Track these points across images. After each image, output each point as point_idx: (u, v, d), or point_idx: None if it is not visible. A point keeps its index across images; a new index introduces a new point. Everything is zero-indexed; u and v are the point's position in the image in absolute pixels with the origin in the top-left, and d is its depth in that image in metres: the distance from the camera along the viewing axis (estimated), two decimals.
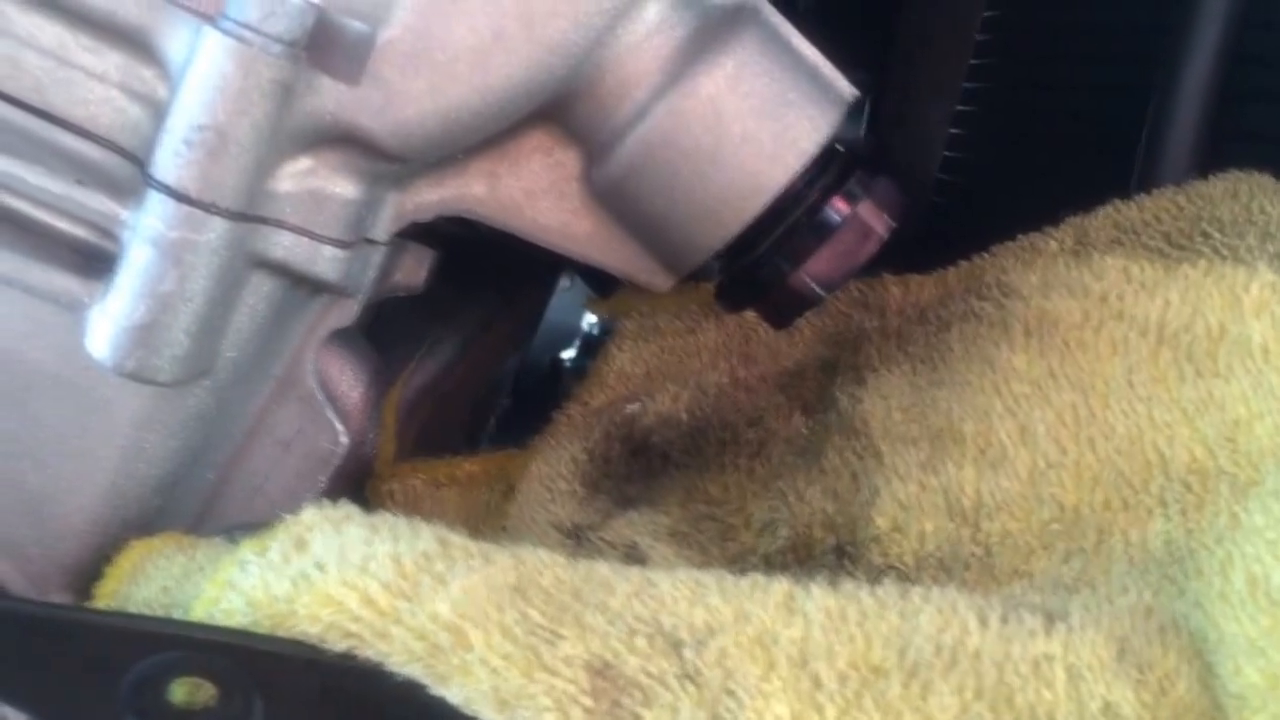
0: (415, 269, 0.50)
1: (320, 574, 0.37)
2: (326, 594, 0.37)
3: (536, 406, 0.85)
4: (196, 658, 0.37)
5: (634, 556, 0.52)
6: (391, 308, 0.61)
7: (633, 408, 0.58)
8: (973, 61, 0.69)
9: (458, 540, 0.40)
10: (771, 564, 0.51)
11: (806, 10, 0.70)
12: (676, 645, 0.38)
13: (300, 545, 0.39)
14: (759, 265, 0.43)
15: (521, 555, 0.41)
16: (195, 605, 0.40)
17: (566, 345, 1.07)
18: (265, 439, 0.50)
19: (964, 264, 0.58)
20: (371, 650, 0.37)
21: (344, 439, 0.50)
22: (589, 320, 1.07)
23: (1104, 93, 0.63)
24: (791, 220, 0.43)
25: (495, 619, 0.37)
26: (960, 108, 0.68)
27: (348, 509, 0.41)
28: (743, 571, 0.50)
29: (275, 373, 0.49)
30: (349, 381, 0.54)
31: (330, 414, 0.50)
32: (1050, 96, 0.66)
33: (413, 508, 0.60)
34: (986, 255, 0.55)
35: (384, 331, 0.62)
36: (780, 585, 0.38)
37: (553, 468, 0.58)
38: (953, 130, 0.68)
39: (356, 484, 0.59)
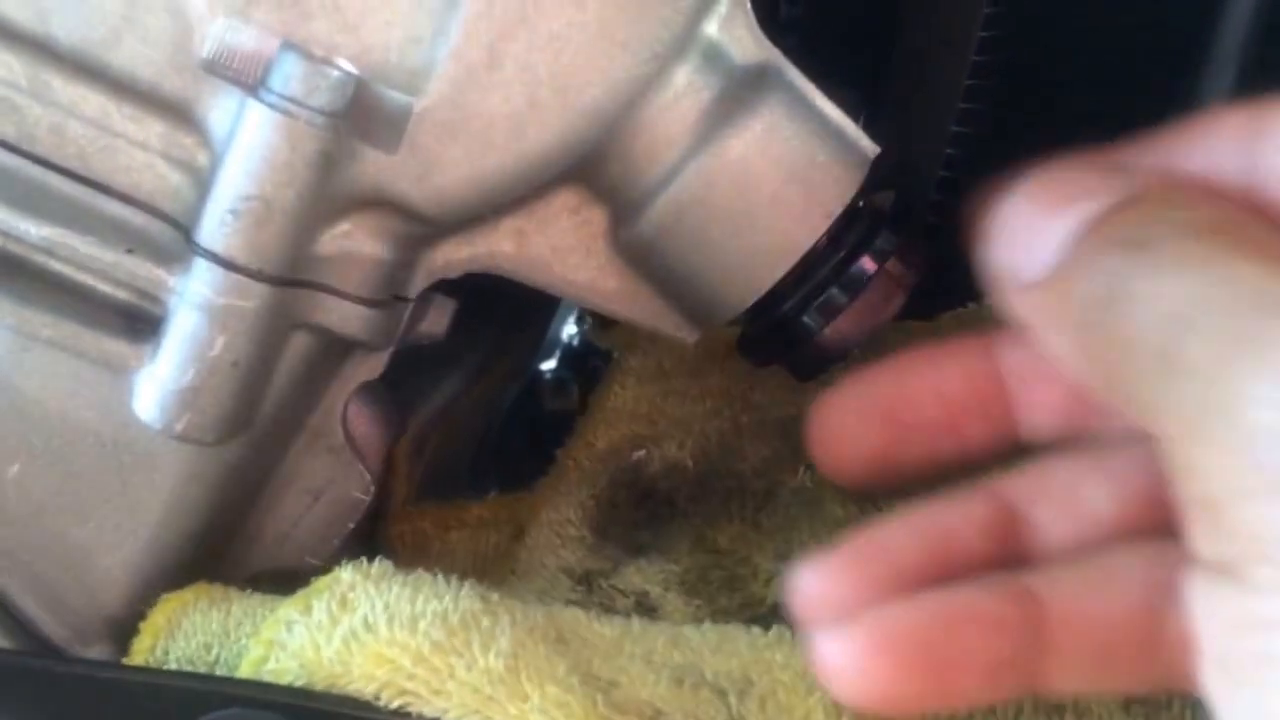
0: (439, 319, 0.52)
1: (370, 634, 0.39)
2: (379, 653, 0.39)
3: (519, 420, 0.86)
4: (257, 715, 0.39)
5: (644, 604, 0.54)
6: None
7: (639, 454, 0.59)
8: (968, 82, 0.70)
9: (495, 595, 0.42)
10: (781, 613, 0.53)
11: (794, 26, 0.72)
12: (721, 693, 0.40)
13: (344, 604, 0.41)
14: (787, 322, 0.45)
15: (556, 611, 0.42)
16: (243, 664, 0.42)
17: (546, 357, 1.08)
18: (296, 487, 0.51)
19: (960, 310, 0.60)
20: (428, 707, 0.39)
21: (373, 487, 0.52)
22: (569, 332, 1.08)
23: (1103, 118, 0.64)
24: (819, 278, 0.44)
25: (547, 670, 0.39)
26: (956, 128, 0.69)
27: (384, 566, 0.43)
28: (754, 620, 0.52)
29: (308, 425, 0.50)
30: (368, 426, 0.56)
31: (360, 465, 0.51)
32: (1047, 116, 0.68)
33: (421, 551, 0.61)
34: (982, 303, 0.56)
35: (396, 372, 0.64)
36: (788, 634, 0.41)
37: (561, 513, 0.59)
38: (949, 150, 0.69)
39: (366, 527, 0.61)
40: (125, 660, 0.46)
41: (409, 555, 0.61)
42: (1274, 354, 0.25)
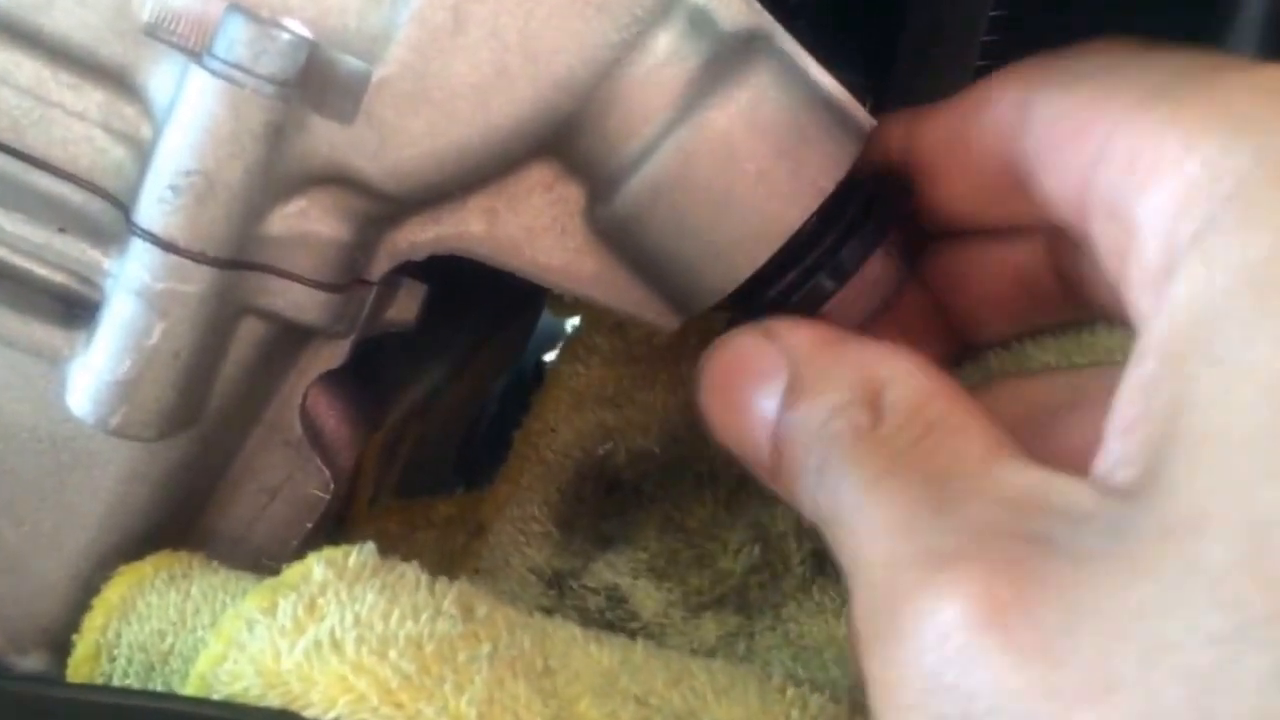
0: (408, 305, 0.50)
1: (336, 653, 0.37)
2: (344, 677, 0.37)
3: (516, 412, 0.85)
4: None
5: (615, 598, 0.53)
6: (376, 341, 0.61)
7: (606, 448, 0.57)
8: (979, 63, 0.68)
9: (483, 610, 0.40)
10: (748, 586, 0.52)
11: (804, 8, 0.70)
12: None
13: (312, 609, 0.39)
14: (772, 308, 0.43)
15: (550, 630, 0.40)
16: (200, 659, 0.40)
17: (550, 347, 1.06)
18: (251, 486, 0.49)
19: None
20: None
21: (332, 485, 0.50)
22: (572, 323, 1.07)
23: None
24: (809, 262, 0.42)
25: (523, 718, 0.37)
26: None
27: (362, 558, 0.41)
28: (722, 598, 0.50)
29: (262, 418, 0.48)
30: (337, 419, 0.54)
31: (319, 460, 0.49)
32: None
33: (387, 552, 0.59)
34: None
35: (370, 366, 0.62)
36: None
37: (525, 509, 0.58)
38: None
39: (339, 520, 0.59)
40: (76, 638, 0.44)
41: None
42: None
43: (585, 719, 0.37)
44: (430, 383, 0.66)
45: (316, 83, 0.39)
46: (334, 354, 0.47)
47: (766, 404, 0.38)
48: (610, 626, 0.51)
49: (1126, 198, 0.31)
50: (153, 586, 0.43)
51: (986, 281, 0.45)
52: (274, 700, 0.38)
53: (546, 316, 0.99)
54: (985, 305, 0.46)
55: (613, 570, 0.53)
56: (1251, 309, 0.26)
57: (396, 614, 0.38)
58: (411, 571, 0.40)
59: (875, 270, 0.43)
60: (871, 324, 0.44)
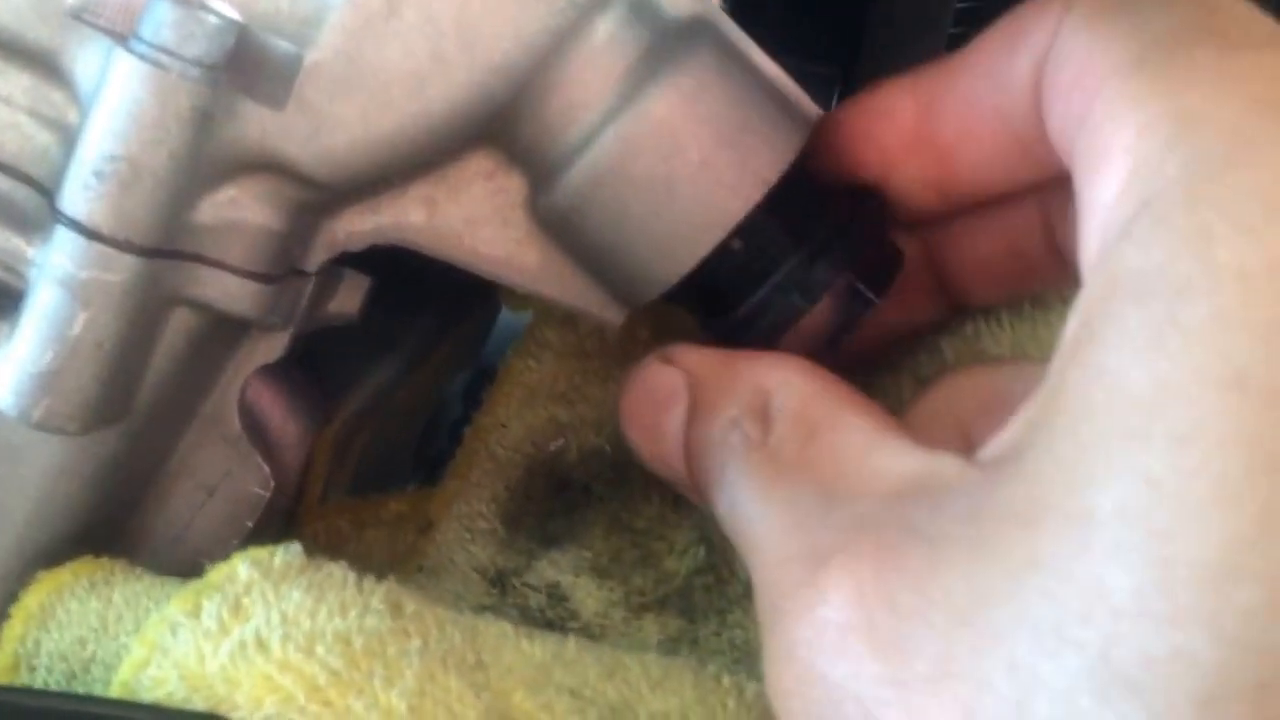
0: (350, 297, 0.49)
1: (261, 652, 0.37)
2: (269, 677, 0.36)
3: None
4: None
5: (556, 595, 0.52)
6: (327, 336, 0.60)
7: (557, 444, 0.57)
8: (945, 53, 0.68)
9: (411, 606, 0.39)
10: (693, 589, 0.51)
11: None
12: None
13: (237, 610, 0.38)
14: (744, 326, 0.42)
15: (482, 626, 0.40)
16: (123, 667, 0.39)
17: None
18: (188, 483, 0.49)
19: None
20: None
21: (272, 482, 0.49)
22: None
23: None
24: (779, 279, 0.42)
25: (456, 710, 0.36)
26: None
27: (288, 558, 0.40)
28: (665, 599, 0.50)
29: (199, 412, 0.47)
30: (282, 415, 0.54)
31: (259, 457, 0.49)
32: None
33: (337, 551, 0.59)
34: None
35: (320, 360, 0.61)
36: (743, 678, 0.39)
37: (472, 506, 0.57)
38: None
39: (289, 517, 0.59)
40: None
41: (324, 555, 0.58)
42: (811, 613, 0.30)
43: (519, 710, 0.37)
44: (382, 380, 0.65)
45: (246, 67, 0.39)
46: (272, 347, 0.47)
47: (674, 425, 0.40)
48: (550, 625, 0.51)
49: (1084, 176, 0.31)
50: (73, 594, 0.42)
51: (981, 247, 0.45)
52: (199, 704, 0.37)
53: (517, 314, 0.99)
54: (979, 270, 0.46)
55: (556, 568, 0.52)
56: (1128, 318, 0.26)
57: (324, 611, 0.38)
58: (339, 570, 0.40)
59: (845, 291, 0.42)
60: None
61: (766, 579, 0.33)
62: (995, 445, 0.30)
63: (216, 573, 0.39)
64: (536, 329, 0.60)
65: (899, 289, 0.45)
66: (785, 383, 0.37)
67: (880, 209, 0.43)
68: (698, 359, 0.41)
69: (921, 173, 0.43)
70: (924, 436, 0.39)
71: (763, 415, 0.37)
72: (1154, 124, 0.28)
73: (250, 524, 0.50)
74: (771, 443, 0.36)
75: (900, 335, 0.49)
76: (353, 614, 0.38)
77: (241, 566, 0.39)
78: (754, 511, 0.34)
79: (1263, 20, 0.31)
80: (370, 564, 0.58)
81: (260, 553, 0.40)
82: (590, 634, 0.50)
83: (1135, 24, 0.32)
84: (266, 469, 0.49)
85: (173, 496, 0.49)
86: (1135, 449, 0.25)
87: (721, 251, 0.42)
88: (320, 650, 0.36)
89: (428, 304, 0.68)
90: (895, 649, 0.27)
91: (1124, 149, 0.29)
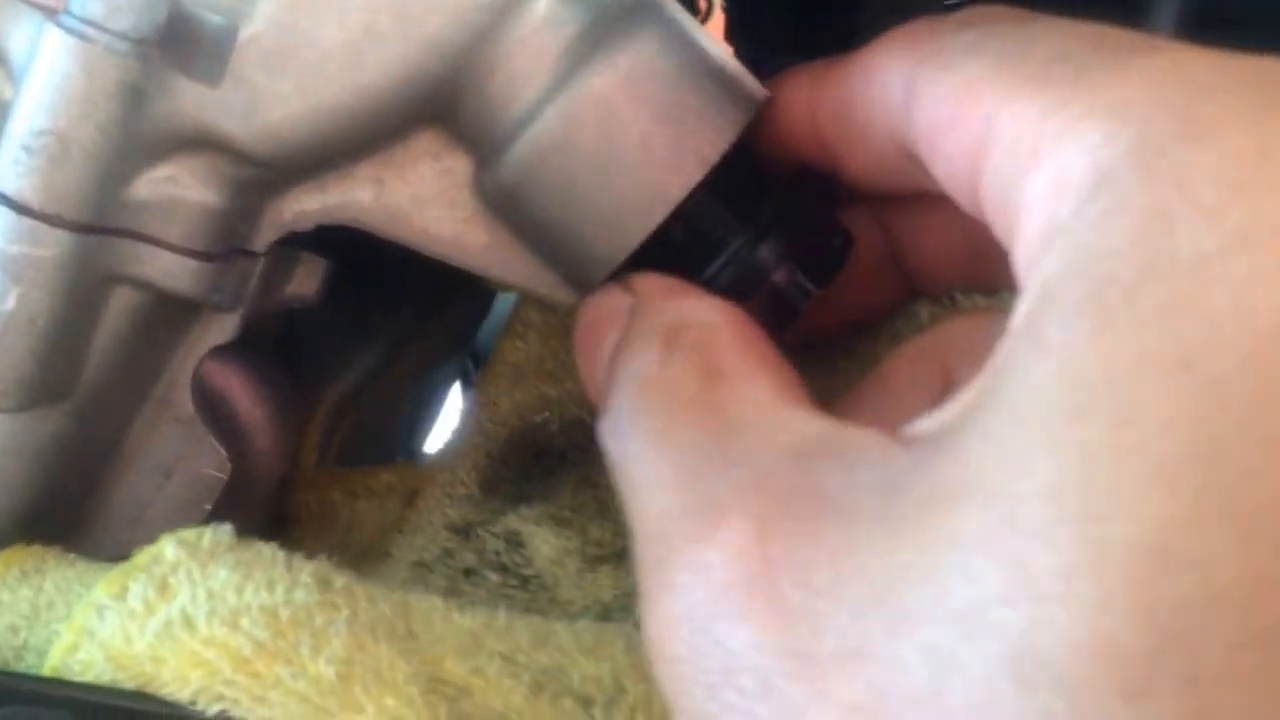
0: (308, 280, 0.49)
1: (187, 629, 0.36)
2: (195, 653, 0.36)
3: None
4: (44, 715, 0.36)
5: (514, 542, 0.52)
6: (310, 321, 0.60)
7: (543, 417, 0.57)
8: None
9: (340, 581, 0.39)
10: None
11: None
12: (585, 702, 0.37)
13: (163, 589, 0.38)
14: None
15: (413, 600, 0.40)
16: (52, 653, 0.39)
17: None
18: (143, 465, 0.49)
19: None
20: (250, 715, 0.36)
21: (229, 465, 0.49)
22: None
23: None
24: (721, 261, 0.41)
25: (387, 677, 0.36)
26: None
27: (216, 537, 0.40)
28: (622, 553, 0.50)
29: (151, 394, 0.47)
30: (251, 401, 0.54)
31: (214, 439, 0.49)
32: None
33: (329, 521, 0.59)
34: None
35: (302, 349, 0.61)
36: None
37: (455, 474, 0.57)
38: None
39: (273, 501, 0.59)
40: None
41: (316, 525, 0.60)
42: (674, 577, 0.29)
43: (451, 675, 0.37)
44: (363, 369, 0.65)
45: (179, 42, 0.39)
46: (223, 328, 0.47)
47: (608, 349, 0.38)
48: (504, 570, 0.51)
49: (1011, 184, 0.30)
50: (4, 583, 0.42)
51: (938, 235, 0.45)
52: (127, 684, 0.37)
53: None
54: (937, 258, 0.46)
55: (520, 520, 0.52)
56: (1082, 298, 0.25)
57: (250, 588, 0.37)
58: (268, 549, 0.40)
59: (786, 278, 0.42)
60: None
61: (651, 531, 0.31)
62: (930, 421, 0.28)
63: (143, 555, 0.39)
64: (522, 310, 0.60)
65: (858, 274, 0.44)
66: (705, 323, 0.36)
67: (826, 194, 0.43)
68: (646, 284, 0.39)
69: (815, 158, 0.43)
70: (902, 378, 0.39)
71: (668, 347, 0.35)
72: (1082, 121, 0.28)
73: (209, 506, 0.50)
74: (667, 375, 0.34)
75: (860, 319, 0.48)
76: (280, 589, 0.38)
77: (168, 547, 0.39)
78: (644, 453, 0.32)
79: (1145, 35, 0.30)
80: (363, 535, 0.58)
81: (188, 533, 0.40)
82: (544, 584, 0.50)
83: (1015, 51, 0.32)
84: (223, 451, 0.49)
85: (129, 479, 0.49)
86: (1072, 427, 0.24)
87: (665, 234, 0.41)
88: (245, 623, 0.36)
89: (409, 293, 0.68)
90: (803, 621, 0.26)
91: (1051, 151, 0.28)
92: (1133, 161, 0.26)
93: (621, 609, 0.49)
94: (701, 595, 0.28)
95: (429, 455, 0.65)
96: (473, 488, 0.57)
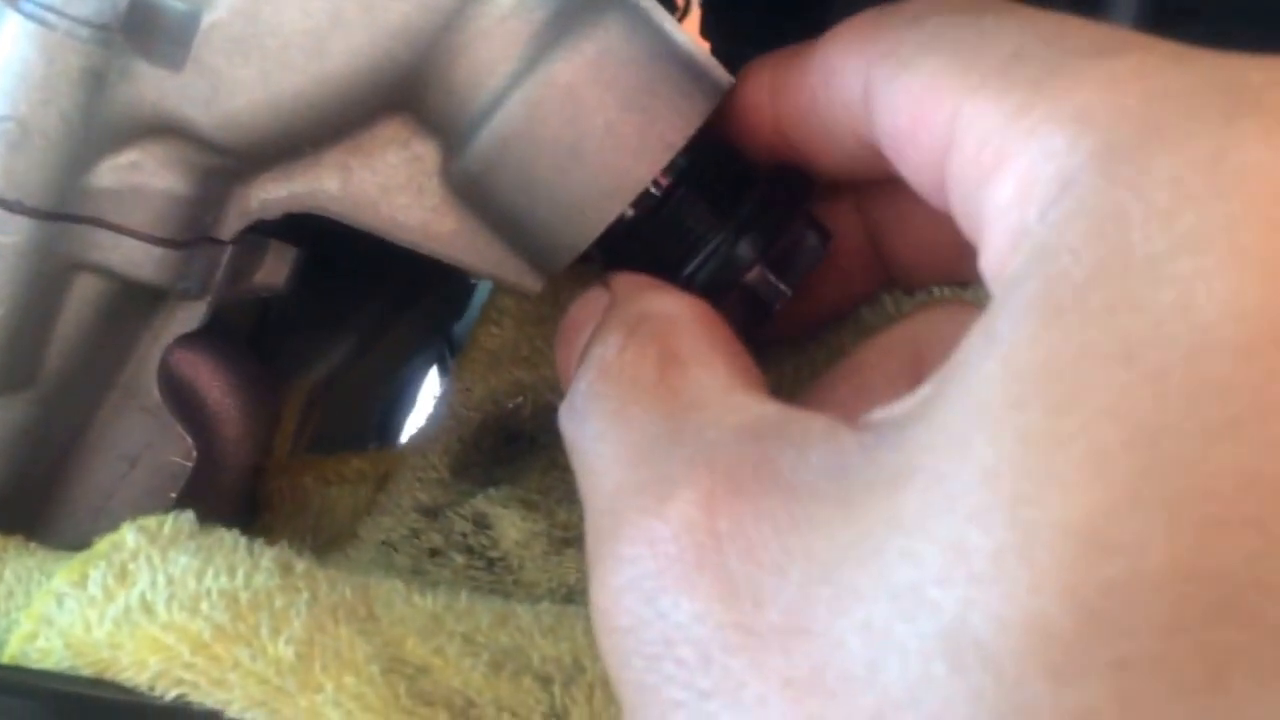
0: (276, 268, 0.49)
1: (146, 615, 0.36)
2: (154, 638, 0.36)
3: None
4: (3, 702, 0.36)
5: (481, 524, 0.53)
6: (284, 309, 0.60)
7: (516, 402, 0.57)
8: None
9: (301, 566, 0.39)
10: None
11: None
12: (544, 681, 0.38)
13: (123, 576, 0.38)
14: None
15: (373, 583, 0.40)
16: (12, 642, 0.39)
17: None
18: (109, 454, 0.49)
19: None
20: (209, 698, 0.36)
21: (195, 453, 0.49)
22: None
23: None
24: (700, 258, 0.42)
25: (346, 657, 0.36)
26: None
27: (178, 525, 0.40)
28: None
29: (116, 382, 0.47)
30: (221, 390, 0.53)
31: (180, 427, 0.49)
32: None
33: (302, 507, 0.59)
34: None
35: (276, 334, 0.61)
36: None
37: (426, 459, 0.58)
38: None
39: (245, 490, 0.59)
40: None
41: (288, 511, 0.60)
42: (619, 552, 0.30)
43: (412, 655, 0.37)
44: (335, 359, 0.65)
45: (142, 28, 0.39)
46: (189, 316, 0.47)
47: (581, 345, 0.38)
48: (470, 552, 0.51)
49: (977, 189, 0.30)
50: None
51: (916, 230, 0.45)
52: (85, 671, 0.37)
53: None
54: (916, 250, 0.46)
55: (488, 502, 0.53)
56: (1034, 294, 0.26)
57: (210, 573, 0.38)
58: (230, 535, 0.40)
59: (761, 276, 0.42)
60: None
61: (600, 507, 0.32)
62: (887, 411, 0.29)
63: (104, 542, 0.39)
64: (497, 296, 0.60)
65: (838, 265, 0.44)
66: (667, 313, 0.36)
67: (804, 191, 0.43)
68: (623, 283, 0.40)
69: (781, 152, 0.43)
70: (873, 368, 0.40)
71: (630, 335, 0.36)
72: (1047, 125, 0.28)
73: (174, 495, 0.50)
74: (625, 359, 0.35)
75: (838, 310, 0.48)
76: (240, 574, 0.38)
77: (129, 534, 0.39)
78: (600, 432, 0.33)
79: (1113, 29, 0.31)
80: (335, 521, 0.58)
81: (148, 521, 0.40)
82: (509, 566, 0.50)
83: (974, 46, 0.32)
84: (189, 440, 0.49)
85: (94, 467, 0.49)
86: (1012, 414, 0.24)
87: (644, 229, 0.42)
88: (205, 608, 0.36)
89: (385, 281, 0.68)
90: (747, 595, 0.26)
91: (1016, 155, 0.29)
92: (1094, 167, 0.26)
93: (585, 591, 0.49)
94: (648, 567, 0.28)
95: (403, 441, 0.65)
96: (443, 471, 0.57)
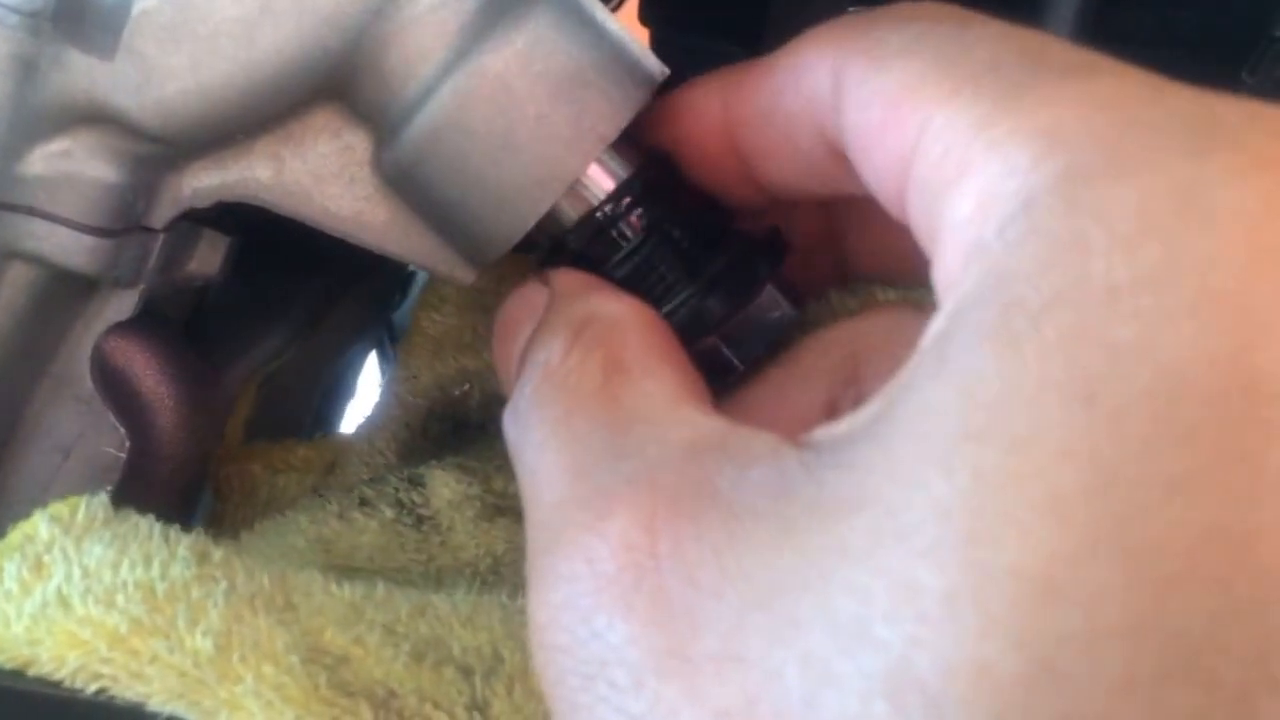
0: (209, 257, 0.49)
1: (63, 609, 0.37)
2: (71, 634, 0.36)
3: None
4: None
5: (415, 481, 0.53)
6: (220, 298, 0.60)
7: (463, 389, 0.58)
8: None
9: (218, 555, 0.40)
10: None
11: None
12: (466, 672, 0.38)
13: (38, 569, 0.38)
14: None
15: (290, 573, 0.40)
16: None
17: None
18: (43, 444, 0.49)
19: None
20: (129, 692, 0.36)
21: (128, 443, 0.49)
22: None
23: None
24: (667, 310, 0.41)
25: (265, 648, 0.37)
26: None
27: (92, 512, 0.40)
28: (520, 508, 0.51)
29: (49, 371, 0.48)
30: (155, 378, 0.54)
31: (113, 417, 0.49)
32: None
33: (251, 495, 0.60)
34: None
35: (207, 326, 0.61)
36: None
37: (373, 445, 0.58)
38: None
39: (189, 480, 0.59)
40: None
41: (238, 499, 0.60)
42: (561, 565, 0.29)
43: (331, 645, 0.37)
44: (270, 346, 0.65)
45: (72, 15, 0.39)
46: (122, 305, 0.47)
47: (520, 343, 0.38)
48: (400, 506, 0.51)
49: (936, 198, 0.30)
50: None
51: (878, 234, 0.44)
52: (5, 666, 0.37)
53: None
54: (875, 257, 0.46)
55: (426, 468, 0.53)
56: (988, 320, 0.25)
57: (126, 564, 0.38)
58: (145, 522, 0.40)
59: (722, 341, 0.42)
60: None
61: (541, 520, 0.31)
62: (830, 429, 0.28)
63: (16, 533, 0.40)
64: (435, 282, 0.61)
65: (797, 261, 0.44)
66: (613, 318, 0.36)
67: (778, 257, 0.43)
68: (564, 280, 0.40)
69: (734, 171, 0.43)
70: (810, 364, 0.40)
71: (574, 339, 0.35)
72: (1010, 141, 0.28)
73: (110, 485, 0.50)
74: (569, 365, 0.34)
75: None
76: (156, 564, 0.38)
77: (41, 525, 0.39)
78: (543, 441, 0.33)
79: (1084, 51, 0.31)
80: (281, 507, 0.59)
81: (60, 508, 0.40)
82: (437, 525, 0.51)
83: (949, 56, 0.31)
84: (122, 430, 0.49)
85: (28, 458, 0.49)
86: (968, 448, 0.23)
87: (617, 268, 0.42)
88: (121, 600, 0.37)
89: (318, 270, 0.68)
90: (684, 620, 0.26)
91: (979, 169, 0.28)
92: (1057, 188, 0.26)
93: (512, 563, 0.49)
94: (586, 585, 0.28)
95: (347, 429, 0.65)
96: (390, 458, 0.58)
